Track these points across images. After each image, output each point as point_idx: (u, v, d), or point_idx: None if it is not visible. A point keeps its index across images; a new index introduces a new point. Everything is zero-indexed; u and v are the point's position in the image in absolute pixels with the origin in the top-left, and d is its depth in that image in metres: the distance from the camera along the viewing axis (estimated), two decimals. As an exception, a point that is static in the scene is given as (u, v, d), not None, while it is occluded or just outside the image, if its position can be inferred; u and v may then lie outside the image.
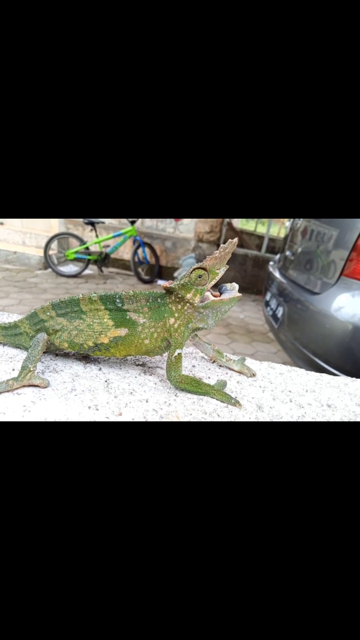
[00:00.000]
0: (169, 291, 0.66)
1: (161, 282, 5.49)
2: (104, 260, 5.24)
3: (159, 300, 0.67)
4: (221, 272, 0.64)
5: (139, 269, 5.39)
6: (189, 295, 0.64)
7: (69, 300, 0.66)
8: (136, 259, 5.29)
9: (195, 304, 0.64)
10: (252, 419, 0.60)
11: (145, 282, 5.37)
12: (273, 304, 2.39)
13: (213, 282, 0.63)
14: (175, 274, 5.42)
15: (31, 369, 0.61)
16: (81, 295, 0.66)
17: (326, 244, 1.89)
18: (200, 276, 0.63)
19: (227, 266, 0.64)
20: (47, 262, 5.06)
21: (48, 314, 0.67)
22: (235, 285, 0.67)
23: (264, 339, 3.77)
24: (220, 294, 0.66)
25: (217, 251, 0.62)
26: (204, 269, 0.63)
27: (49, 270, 5.14)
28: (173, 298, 0.66)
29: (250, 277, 5.52)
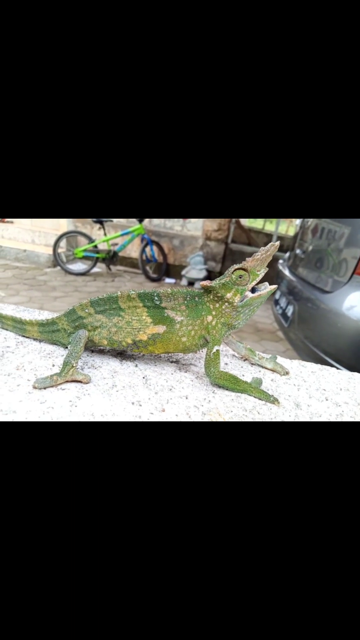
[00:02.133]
0: (207, 290, 0.67)
1: (169, 280, 5.51)
2: (112, 258, 5.26)
3: (196, 298, 0.68)
4: (262, 273, 0.65)
5: (147, 267, 5.40)
6: (229, 295, 0.65)
7: (107, 298, 0.68)
8: (144, 257, 5.30)
9: (235, 303, 0.65)
10: (292, 417, 0.61)
11: (153, 280, 5.38)
12: (283, 302, 2.38)
13: (254, 283, 0.64)
14: (183, 272, 5.42)
15: (74, 365, 0.62)
16: (119, 293, 0.68)
17: (337, 242, 1.88)
18: (241, 276, 0.64)
19: (267, 268, 0.65)
20: (56, 260, 5.09)
21: (87, 311, 0.68)
22: (267, 284, 0.68)
23: (273, 337, 3.78)
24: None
25: (259, 253, 0.63)
26: (245, 269, 0.64)
27: (58, 268, 5.17)
28: (211, 297, 0.67)
29: (258, 275, 5.50)
